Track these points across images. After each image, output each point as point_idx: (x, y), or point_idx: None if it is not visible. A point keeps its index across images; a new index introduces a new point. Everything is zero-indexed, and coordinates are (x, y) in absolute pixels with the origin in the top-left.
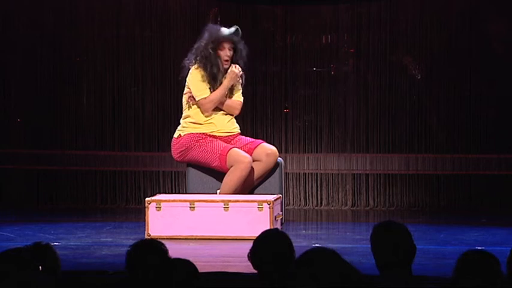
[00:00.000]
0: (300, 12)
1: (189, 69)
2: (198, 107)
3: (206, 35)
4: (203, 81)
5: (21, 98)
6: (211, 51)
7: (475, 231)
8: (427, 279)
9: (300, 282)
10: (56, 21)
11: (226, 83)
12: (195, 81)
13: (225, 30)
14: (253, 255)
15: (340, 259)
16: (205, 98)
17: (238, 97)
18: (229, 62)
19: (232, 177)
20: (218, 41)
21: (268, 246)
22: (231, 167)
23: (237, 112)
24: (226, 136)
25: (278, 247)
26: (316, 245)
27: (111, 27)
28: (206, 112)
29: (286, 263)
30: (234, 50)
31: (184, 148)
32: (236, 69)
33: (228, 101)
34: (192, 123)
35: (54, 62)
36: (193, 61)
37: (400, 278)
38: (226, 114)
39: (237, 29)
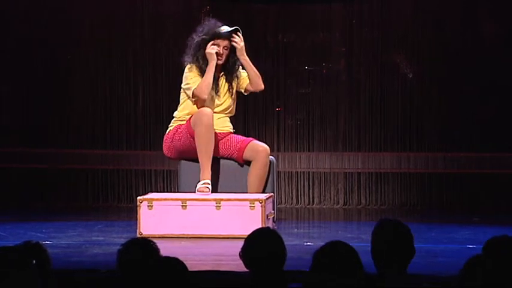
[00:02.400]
0: (292, 11)
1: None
2: (196, 101)
3: (203, 29)
4: (196, 75)
5: (13, 96)
6: (203, 46)
7: (467, 230)
8: (422, 277)
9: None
10: (48, 20)
11: (209, 65)
12: (189, 76)
13: (224, 28)
14: (245, 254)
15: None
16: (196, 87)
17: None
18: (222, 59)
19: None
20: (212, 38)
21: (259, 245)
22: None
23: (261, 83)
24: (216, 134)
25: (270, 246)
26: (308, 243)
27: (104, 26)
28: (204, 101)
29: (277, 261)
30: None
31: (170, 141)
32: (209, 48)
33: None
34: (181, 121)
35: (46, 61)
36: (191, 58)
37: (397, 277)
38: (216, 113)
39: (236, 29)
